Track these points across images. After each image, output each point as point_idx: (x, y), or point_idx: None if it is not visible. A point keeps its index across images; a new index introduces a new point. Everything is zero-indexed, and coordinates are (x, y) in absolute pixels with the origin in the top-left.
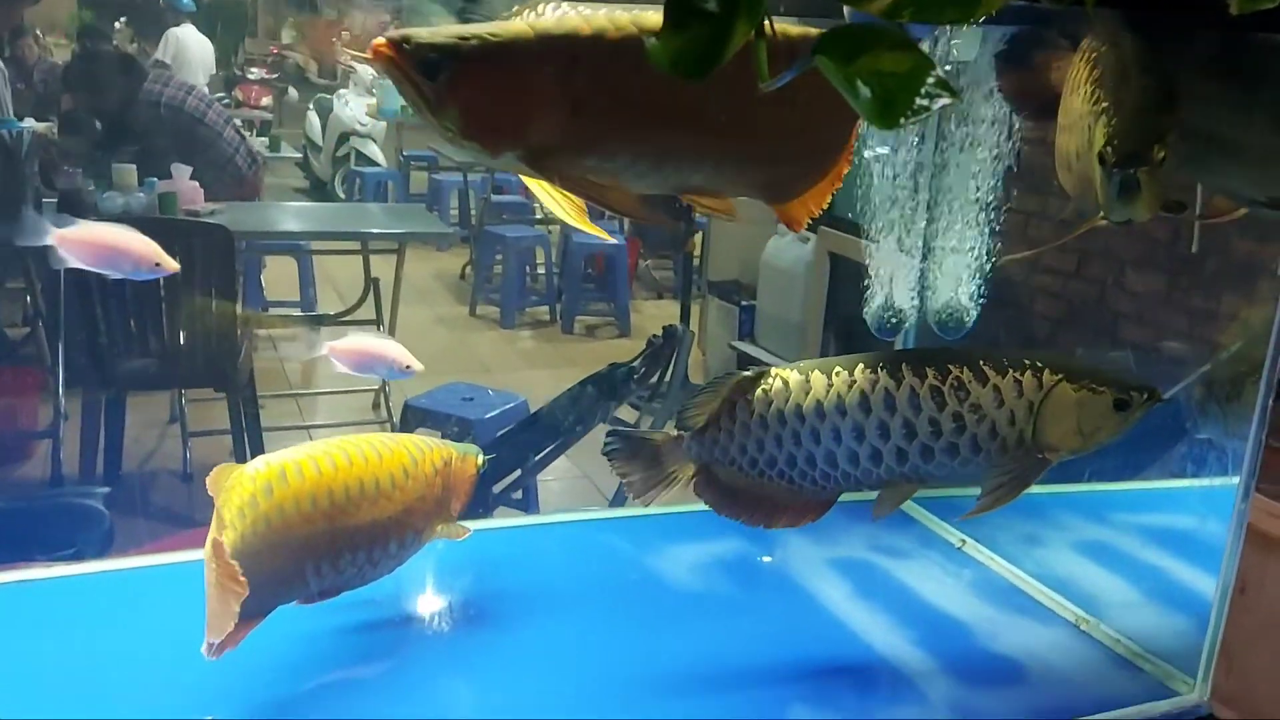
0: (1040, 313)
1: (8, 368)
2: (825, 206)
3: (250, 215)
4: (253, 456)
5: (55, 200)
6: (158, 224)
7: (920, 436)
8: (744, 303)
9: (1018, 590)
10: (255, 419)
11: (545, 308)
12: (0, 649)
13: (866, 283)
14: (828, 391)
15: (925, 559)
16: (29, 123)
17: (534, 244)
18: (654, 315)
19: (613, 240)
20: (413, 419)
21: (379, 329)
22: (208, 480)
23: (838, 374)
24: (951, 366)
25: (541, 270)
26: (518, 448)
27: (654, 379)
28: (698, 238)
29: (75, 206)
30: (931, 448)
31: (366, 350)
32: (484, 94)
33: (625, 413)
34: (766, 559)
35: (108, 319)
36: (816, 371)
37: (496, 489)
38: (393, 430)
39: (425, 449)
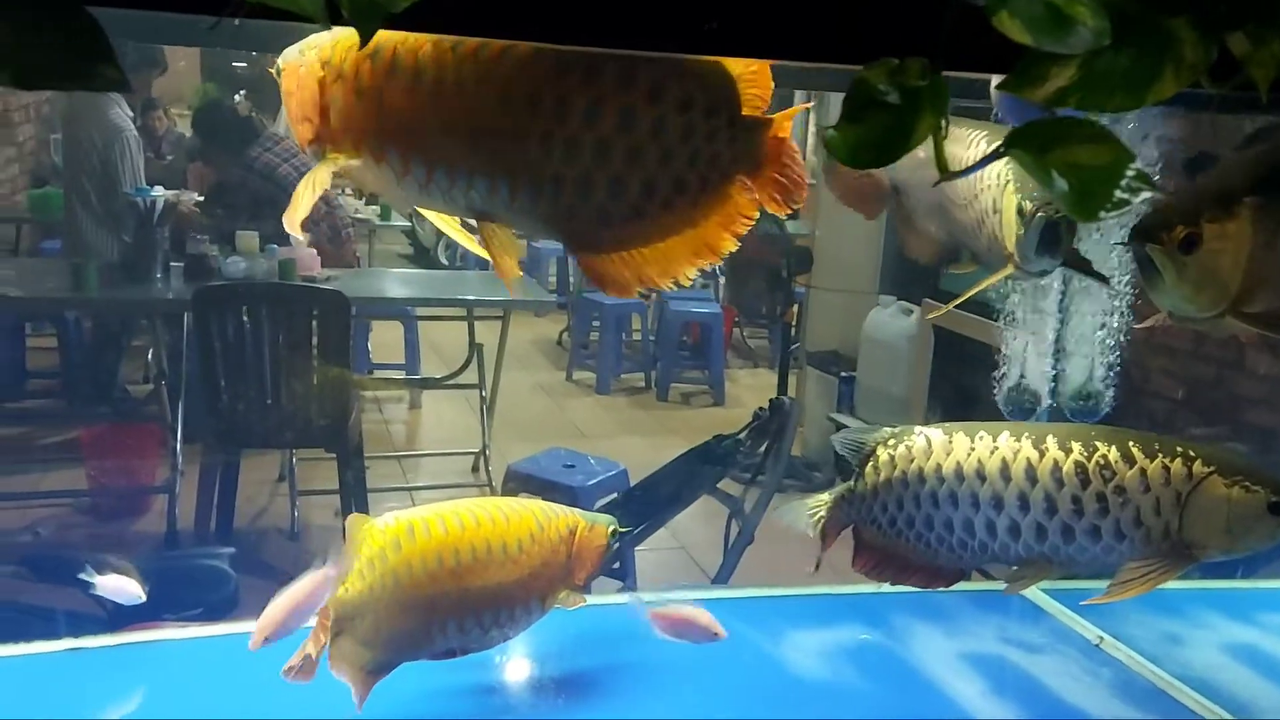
0: (1156, 392)
1: (131, 424)
2: (673, 280)
3: (361, 282)
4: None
5: (182, 265)
6: (280, 289)
7: (1061, 514)
8: (843, 374)
9: (1162, 693)
10: (362, 480)
11: (640, 375)
12: (133, 706)
13: (999, 362)
14: (969, 455)
15: (1061, 655)
16: (159, 190)
17: (630, 311)
18: (749, 384)
19: (709, 309)
20: (514, 484)
21: (481, 393)
22: (346, 522)
23: (981, 438)
24: (1099, 444)
25: (638, 337)
26: (621, 518)
27: (759, 451)
28: (795, 308)
29: (201, 271)
30: (1073, 528)
31: (682, 616)
32: (289, 95)
33: (729, 485)
34: (865, 636)
35: (228, 379)
36: (960, 433)
37: None
38: (492, 493)
39: (552, 515)
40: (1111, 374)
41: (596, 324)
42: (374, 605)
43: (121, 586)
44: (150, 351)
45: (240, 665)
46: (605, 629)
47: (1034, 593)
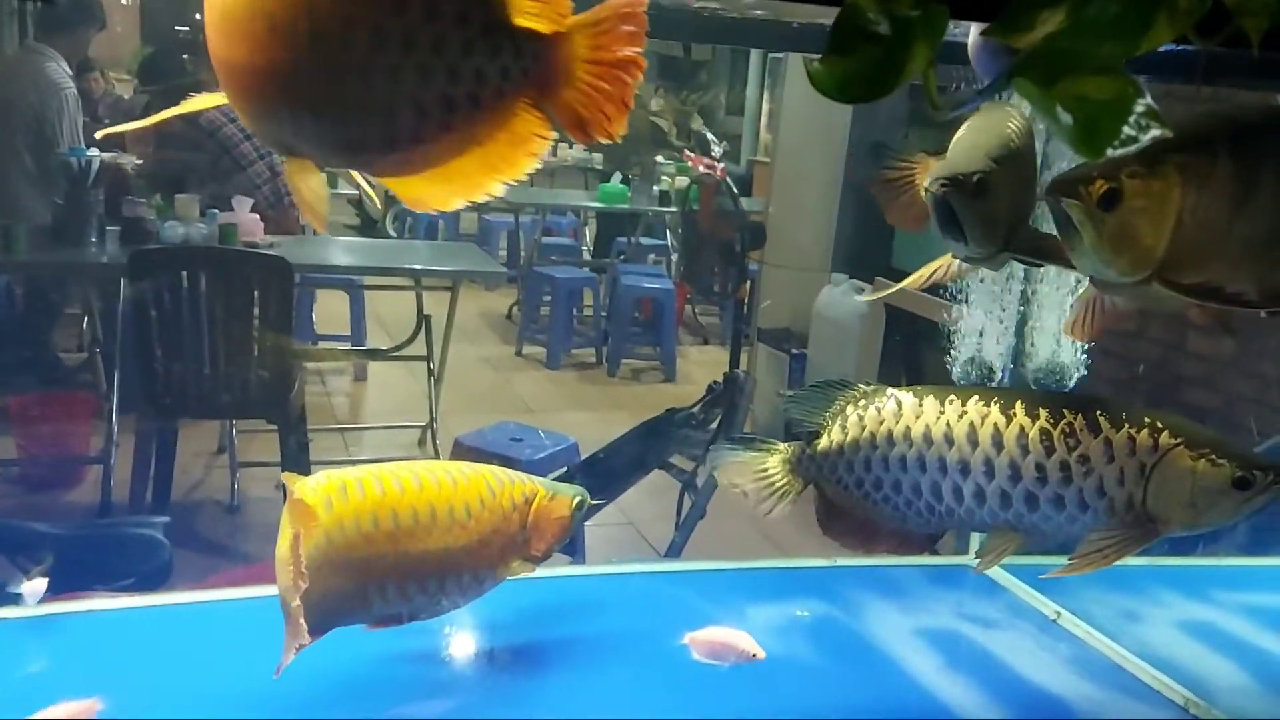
0: (1106, 377)
1: (63, 393)
2: (483, 196)
3: (306, 250)
4: None
5: (119, 229)
6: (220, 254)
7: (1025, 481)
8: (794, 351)
9: (1119, 668)
10: (305, 451)
11: (591, 350)
12: (62, 677)
13: (951, 338)
14: (938, 418)
15: (1018, 630)
16: (94, 151)
17: (582, 286)
18: (699, 361)
19: (661, 284)
20: (461, 457)
21: (429, 365)
22: (283, 478)
23: (951, 402)
24: (1066, 411)
25: (589, 312)
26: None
27: (712, 426)
28: (747, 284)
29: (138, 234)
30: (1036, 496)
31: (720, 640)
32: None
33: (681, 460)
34: (802, 613)
35: (164, 347)
36: (931, 397)
37: None
38: None
39: (507, 482)
40: (1079, 346)
41: (547, 298)
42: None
43: (36, 589)
44: (85, 318)
45: (171, 637)
46: (558, 601)
47: (994, 570)
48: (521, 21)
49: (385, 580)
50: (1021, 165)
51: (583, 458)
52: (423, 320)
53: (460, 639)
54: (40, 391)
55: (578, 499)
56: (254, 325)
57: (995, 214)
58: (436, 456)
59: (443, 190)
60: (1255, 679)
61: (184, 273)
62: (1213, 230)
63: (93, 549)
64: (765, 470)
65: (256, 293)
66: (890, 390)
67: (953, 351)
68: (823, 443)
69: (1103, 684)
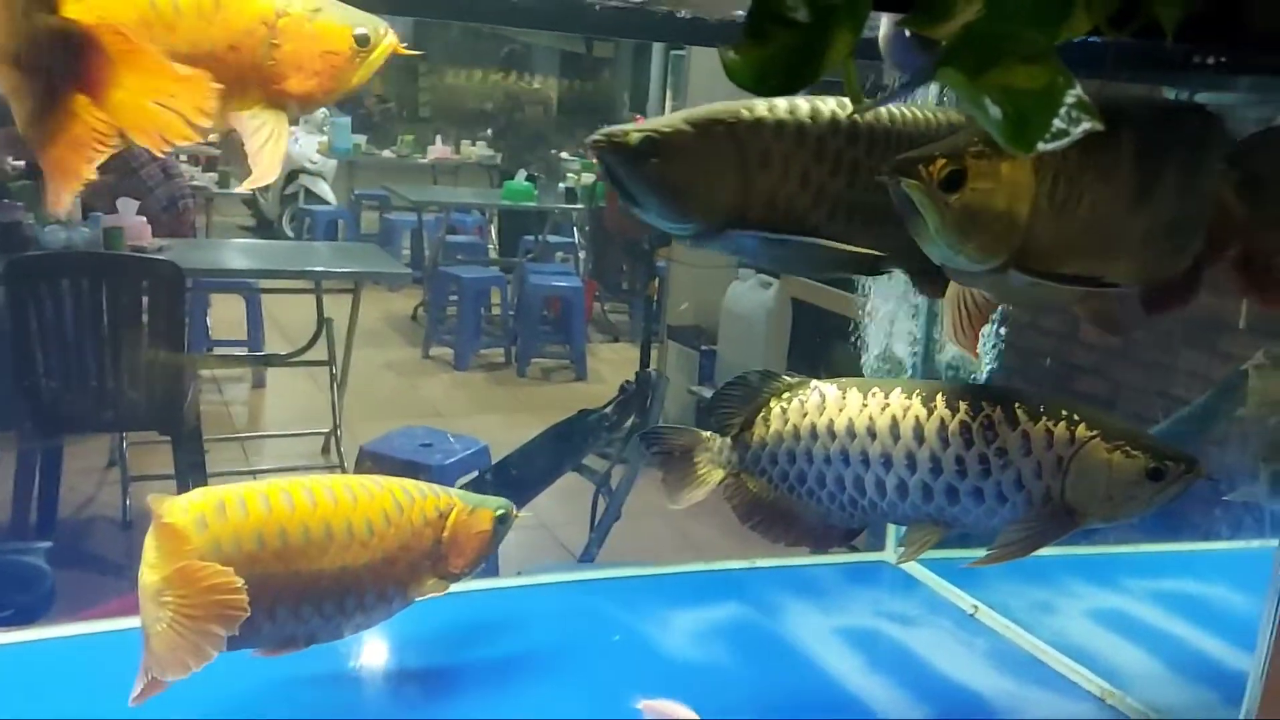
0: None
1: None
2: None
3: (198, 253)
4: None
5: None
6: (105, 260)
7: (945, 474)
8: (704, 348)
9: (1036, 660)
10: (201, 465)
11: (500, 350)
12: None
13: (857, 330)
14: (861, 410)
15: (936, 626)
16: None
17: (489, 285)
18: (610, 359)
19: (569, 282)
20: (369, 464)
21: (331, 370)
22: (149, 500)
23: (874, 394)
24: (985, 404)
25: (497, 311)
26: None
27: (625, 426)
28: (656, 281)
29: (16, 241)
30: (957, 489)
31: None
32: None
33: (594, 462)
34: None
35: (47, 358)
36: (854, 389)
37: None
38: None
39: (417, 496)
40: (992, 339)
41: (454, 298)
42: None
43: None
44: None
45: (52, 672)
46: (471, 618)
47: (912, 566)
48: (68, 11)
49: (275, 603)
50: (759, 138)
51: (494, 462)
52: (324, 323)
53: (367, 659)
54: None
55: (500, 511)
56: (143, 333)
57: (683, 183)
58: (340, 464)
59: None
60: (1168, 666)
61: (65, 280)
62: (1081, 216)
63: None
64: (687, 458)
65: (145, 299)
66: (814, 383)
67: (861, 345)
68: (746, 435)
69: (1021, 677)
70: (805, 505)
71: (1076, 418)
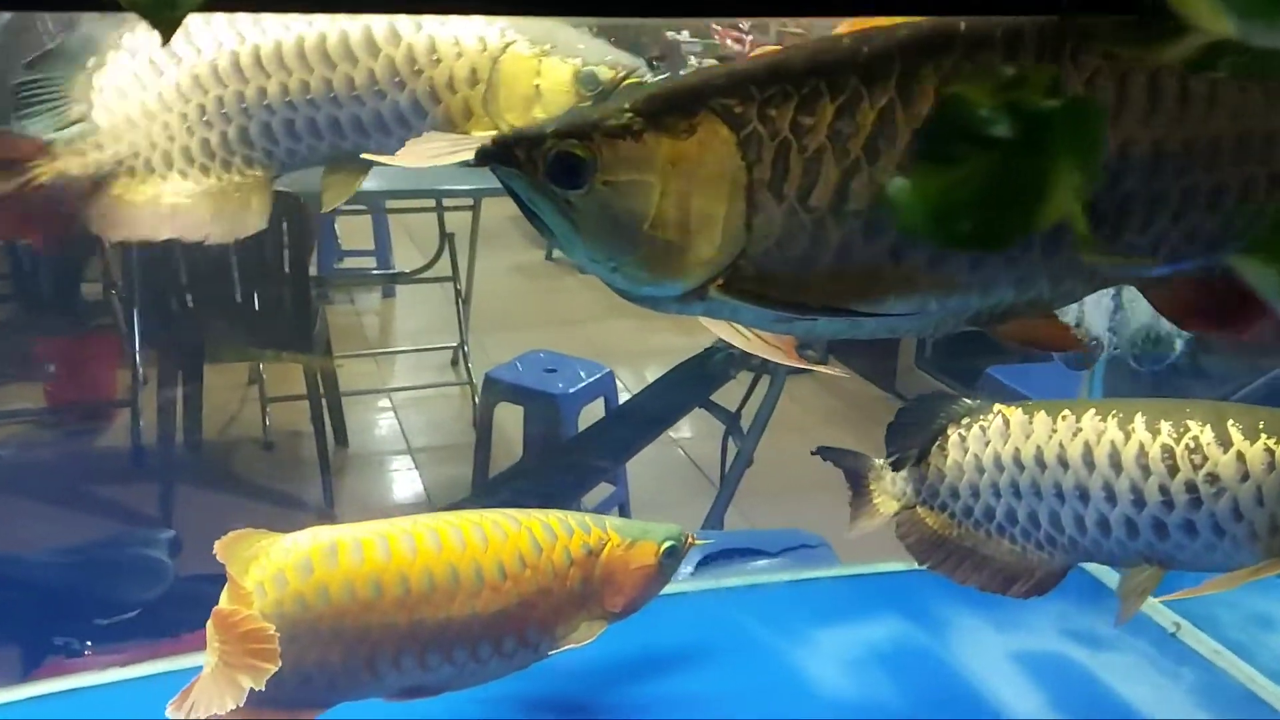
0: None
1: (87, 336)
2: None
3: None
4: (333, 423)
5: None
6: None
7: (1149, 507)
8: None
9: (1253, 697)
10: (334, 386)
11: None
12: None
13: None
14: (1050, 437)
15: (1132, 651)
16: None
17: None
18: None
19: None
20: (495, 394)
21: (455, 286)
22: (217, 547)
23: (1064, 417)
24: (1191, 424)
25: None
26: (611, 446)
27: (756, 363)
28: None
29: None
30: (1164, 523)
31: None
32: None
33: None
34: None
35: (180, 289)
36: (1042, 412)
37: None
38: (472, 391)
39: (561, 534)
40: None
41: None
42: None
43: None
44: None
45: None
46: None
47: (1102, 571)
48: None
49: (398, 651)
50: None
51: (620, 396)
52: (445, 238)
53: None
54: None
55: (668, 544)
56: (270, 265)
57: (642, 218)
58: (469, 380)
59: None
60: None
61: None
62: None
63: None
64: (859, 485)
65: (270, 229)
66: (997, 406)
67: None
68: (923, 466)
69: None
70: (996, 544)
71: None
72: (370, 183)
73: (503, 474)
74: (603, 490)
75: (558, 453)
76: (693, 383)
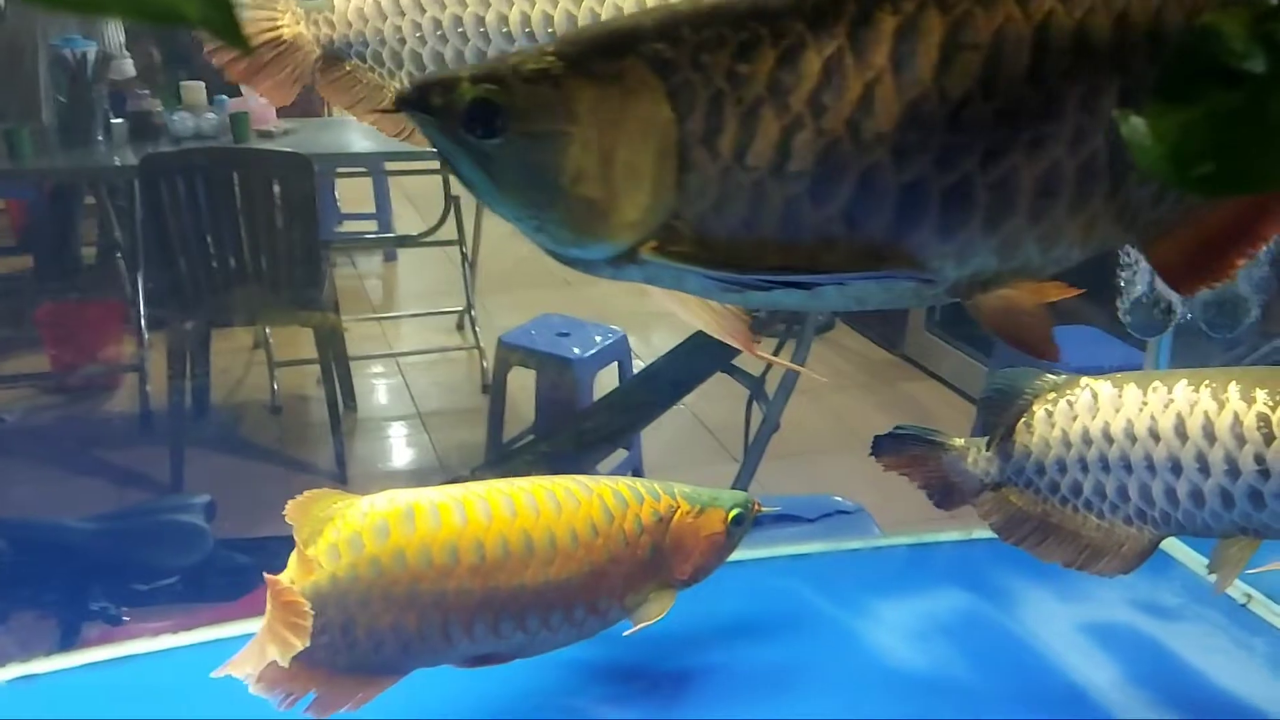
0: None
1: (90, 301)
2: None
3: (325, 135)
4: (341, 386)
5: (125, 123)
6: (238, 155)
7: (1245, 476)
8: None
9: None
10: (341, 349)
11: None
12: None
13: (1122, 266)
14: (1141, 410)
15: (1202, 621)
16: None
17: None
18: None
19: None
20: (508, 357)
21: (461, 249)
22: (290, 507)
23: (1155, 389)
24: None
25: None
26: (631, 412)
27: (781, 326)
28: None
29: (146, 130)
30: (1260, 492)
31: None
32: None
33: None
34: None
35: (186, 252)
36: (1131, 385)
37: None
38: (480, 356)
39: (632, 501)
40: (1256, 274)
41: None
42: (341, 595)
43: None
44: (99, 221)
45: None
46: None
47: (1167, 541)
48: None
49: (472, 619)
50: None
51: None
52: (451, 201)
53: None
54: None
55: (735, 511)
56: (277, 226)
57: (565, 173)
58: (476, 344)
59: None
60: None
61: (198, 177)
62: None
63: (127, 544)
64: (937, 467)
65: (277, 194)
66: (1084, 380)
67: (1123, 288)
68: (1009, 444)
69: None
70: (1084, 520)
71: None
72: (370, 143)
73: (521, 439)
74: (616, 456)
75: (578, 417)
76: (717, 347)
